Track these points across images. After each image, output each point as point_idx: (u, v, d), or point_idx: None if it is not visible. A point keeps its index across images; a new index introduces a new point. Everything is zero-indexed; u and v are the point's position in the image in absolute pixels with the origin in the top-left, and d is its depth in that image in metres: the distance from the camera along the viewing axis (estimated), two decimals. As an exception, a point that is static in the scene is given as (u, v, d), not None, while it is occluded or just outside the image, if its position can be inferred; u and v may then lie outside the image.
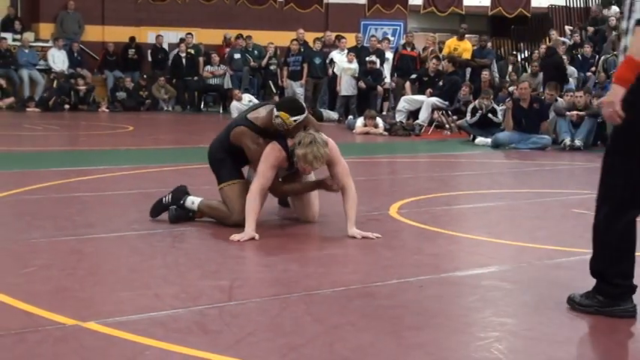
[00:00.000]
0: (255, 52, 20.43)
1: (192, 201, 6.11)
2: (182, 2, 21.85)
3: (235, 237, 5.53)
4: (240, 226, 5.66)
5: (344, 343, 3.51)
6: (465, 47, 18.06)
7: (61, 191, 7.52)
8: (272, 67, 19.95)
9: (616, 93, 3.71)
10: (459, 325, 3.89)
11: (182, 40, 20.75)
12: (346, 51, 18.41)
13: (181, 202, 6.10)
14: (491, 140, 13.19)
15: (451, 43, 18.39)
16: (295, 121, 5.73)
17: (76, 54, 20.38)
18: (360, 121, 15.50)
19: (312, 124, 6.03)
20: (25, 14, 21.11)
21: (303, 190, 6.17)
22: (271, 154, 5.76)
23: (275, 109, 5.80)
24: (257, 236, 5.57)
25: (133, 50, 20.84)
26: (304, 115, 5.82)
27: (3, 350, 3.34)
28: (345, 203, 5.80)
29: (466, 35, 18.82)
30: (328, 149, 5.65)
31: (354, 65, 17.89)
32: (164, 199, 6.19)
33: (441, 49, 18.62)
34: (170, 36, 21.45)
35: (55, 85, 19.42)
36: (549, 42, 18.63)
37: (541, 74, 16.54)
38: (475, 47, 18.54)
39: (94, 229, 5.82)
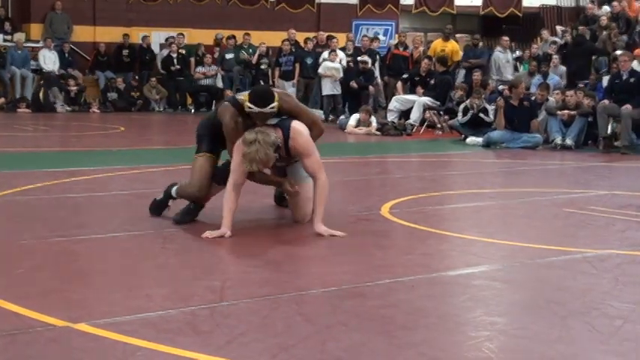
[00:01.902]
0: (250, 50, 20.40)
1: (175, 188, 6.27)
2: (173, 2, 21.82)
3: (206, 233, 5.58)
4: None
5: (336, 343, 3.51)
6: (452, 48, 18.01)
7: (52, 192, 7.50)
8: (263, 67, 19.92)
9: None
10: (451, 325, 3.89)
11: (171, 41, 20.69)
12: (329, 50, 18.41)
13: (169, 191, 6.28)
14: (484, 139, 13.20)
15: (437, 44, 18.33)
16: (250, 108, 5.64)
17: (67, 54, 20.33)
18: (353, 118, 15.49)
19: (303, 116, 5.96)
20: (16, 15, 21.06)
21: (267, 181, 6.13)
22: (239, 148, 5.67)
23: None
24: (228, 233, 5.57)
25: (127, 51, 20.80)
26: (260, 110, 5.62)
27: (-7, 352, 3.33)
28: (314, 196, 5.76)
29: (457, 35, 18.79)
30: (271, 152, 5.50)
31: (337, 65, 17.91)
32: (157, 197, 6.37)
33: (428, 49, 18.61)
34: (162, 36, 21.41)
35: (42, 83, 19.33)
36: (540, 41, 18.65)
37: (536, 73, 16.57)
38: (469, 47, 18.51)
39: (85, 230, 5.81)
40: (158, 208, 6.33)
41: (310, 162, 5.76)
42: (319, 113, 17.79)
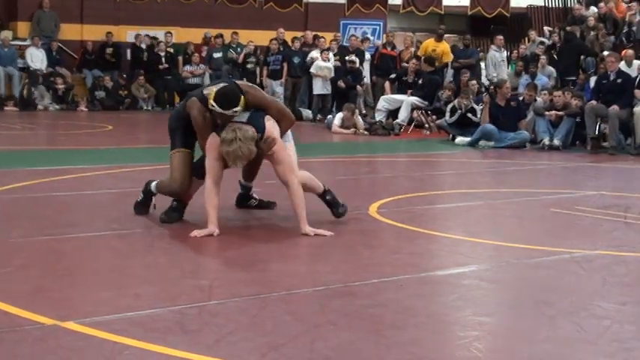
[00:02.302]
0: (239, 49, 20.39)
1: (154, 184, 6.26)
2: (161, 1, 21.78)
3: (194, 232, 5.58)
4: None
5: (324, 343, 3.50)
6: (443, 49, 17.97)
7: (40, 191, 7.47)
8: (249, 66, 19.88)
9: None
10: (439, 324, 3.90)
11: (140, 39, 20.74)
12: (319, 50, 18.43)
13: (148, 188, 6.28)
14: (477, 132, 13.18)
15: (428, 44, 18.27)
16: (212, 106, 5.58)
17: (54, 53, 20.27)
18: (338, 117, 15.48)
19: (272, 109, 5.90)
20: (3, 13, 20.98)
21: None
22: (213, 146, 5.67)
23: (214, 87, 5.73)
24: (217, 232, 5.58)
25: (111, 49, 20.75)
26: (222, 111, 5.56)
27: (-19, 350, 3.32)
28: (291, 201, 5.74)
29: (445, 35, 18.78)
30: (253, 146, 5.49)
31: (329, 64, 17.94)
32: (138, 198, 6.35)
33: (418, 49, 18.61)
34: (149, 35, 21.36)
35: (28, 81, 19.23)
36: (528, 41, 18.69)
37: (523, 74, 16.61)
38: (460, 47, 18.50)
39: (72, 228, 5.79)
40: (142, 207, 6.32)
41: (282, 169, 5.74)
42: (307, 113, 17.81)
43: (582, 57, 16.52)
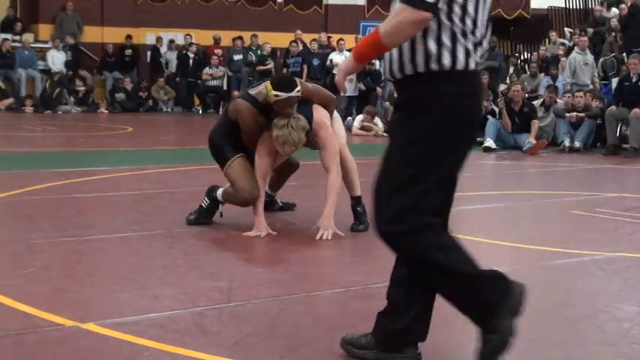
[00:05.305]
0: (259, 51, 20.45)
1: (220, 192, 6.08)
2: (181, 3, 21.86)
3: (251, 233, 5.69)
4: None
5: (343, 345, 3.50)
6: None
7: (61, 192, 7.51)
8: (267, 67, 19.84)
9: (347, 64, 3.26)
10: (458, 327, 3.88)
11: (172, 42, 20.87)
12: (346, 53, 18.44)
13: (214, 194, 6.08)
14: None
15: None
16: (276, 96, 5.50)
17: (75, 55, 20.38)
18: (357, 119, 15.48)
19: (320, 95, 5.93)
20: (25, 15, 21.12)
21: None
22: (265, 141, 5.72)
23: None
24: (263, 234, 5.67)
25: (130, 50, 20.85)
26: (288, 94, 5.51)
27: (2, 351, 3.33)
28: (326, 189, 5.72)
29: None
30: (303, 135, 5.54)
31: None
32: (202, 203, 6.11)
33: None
34: (169, 37, 21.47)
35: (50, 83, 19.37)
36: (549, 43, 18.63)
37: (541, 75, 16.54)
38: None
39: (93, 230, 5.81)
40: (207, 214, 6.08)
41: (326, 155, 5.74)
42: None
43: (603, 59, 16.31)
